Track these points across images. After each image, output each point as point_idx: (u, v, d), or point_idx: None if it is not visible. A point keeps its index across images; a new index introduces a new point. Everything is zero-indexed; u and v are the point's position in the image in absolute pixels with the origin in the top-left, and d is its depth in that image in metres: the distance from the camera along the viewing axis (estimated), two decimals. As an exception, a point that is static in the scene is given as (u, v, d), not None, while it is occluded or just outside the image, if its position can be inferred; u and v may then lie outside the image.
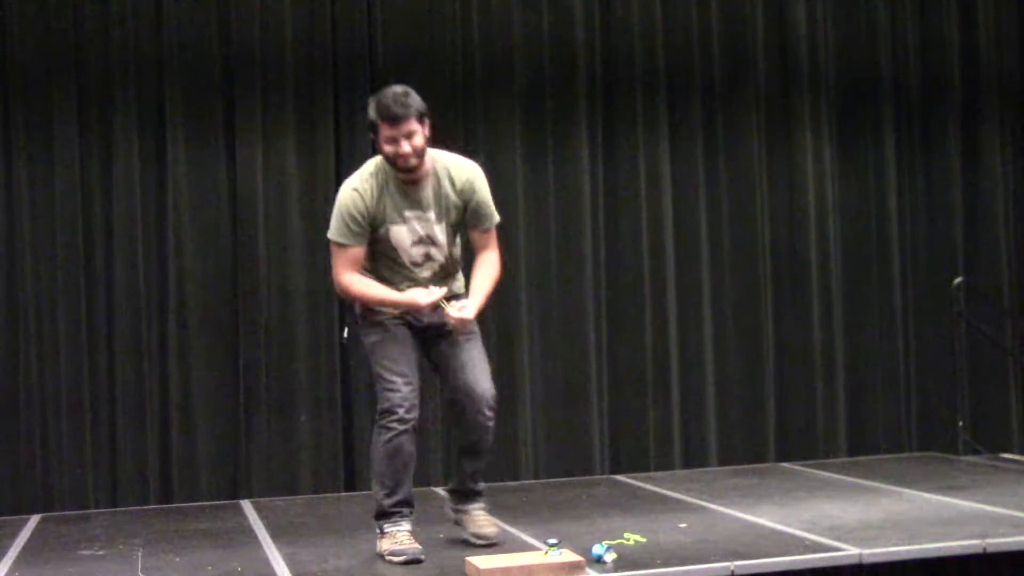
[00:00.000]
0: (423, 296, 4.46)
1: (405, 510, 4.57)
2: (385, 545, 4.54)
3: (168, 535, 5.26)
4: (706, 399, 7.02)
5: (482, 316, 4.75)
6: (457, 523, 4.82)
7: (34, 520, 5.76)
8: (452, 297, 4.63)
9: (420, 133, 4.45)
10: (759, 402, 7.11)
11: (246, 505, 6.01)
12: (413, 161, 4.46)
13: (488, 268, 4.68)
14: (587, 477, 6.66)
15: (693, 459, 6.96)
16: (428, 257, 4.60)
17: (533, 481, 6.61)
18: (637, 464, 6.83)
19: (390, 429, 4.46)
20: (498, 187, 6.66)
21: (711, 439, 7.01)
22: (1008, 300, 7.45)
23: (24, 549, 5.08)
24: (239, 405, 6.32)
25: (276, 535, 5.16)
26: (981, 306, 7.30)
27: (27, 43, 6.13)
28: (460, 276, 4.81)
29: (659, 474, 6.70)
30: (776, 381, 7.16)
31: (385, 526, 4.57)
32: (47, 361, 6.12)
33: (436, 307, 4.48)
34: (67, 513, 5.97)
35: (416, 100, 4.47)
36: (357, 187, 4.53)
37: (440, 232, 4.60)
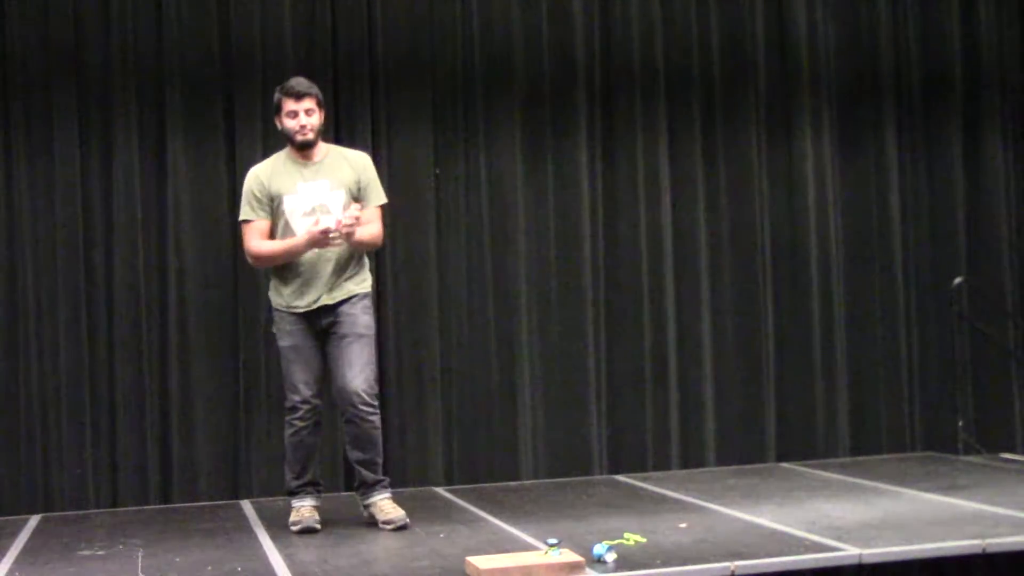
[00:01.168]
0: (313, 228, 4.98)
1: (309, 488, 5.30)
2: (291, 517, 5.25)
3: (168, 535, 5.26)
4: (705, 399, 7.02)
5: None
6: (369, 519, 5.28)
7: (34, 520, 5.77)
8: (353, 298, 5.19)
9: (317, 114, 5.20)
10: (758, 402, 7.11)
11: (246, 505, 6.01)
12: (310, 135, 5.18)
13: (367, 230, 5.16)
14: (586, 477, 6.66)
15: (692, 459, 6.96)
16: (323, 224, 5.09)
17: (533, 481, 6.61)
18: (636, 464, 6.83)
19: (293, 426, 5.23)
20: (497, 187, 6.74)
21: (710, 439, 7.01)
22: (1009, 300, 7.45)
23: (24, 549, 5.08)
24: (239, 405, 6.32)
25: (276, 535, 5.16)
26: (982, 306, 7.30)
27: (27, 42, 6.13)
28: (364, 273, 5.29)
29: (658, 474, 6.70)
30: (776, 381, 7.16)
31: (293, 502, 5.31)
32: (47, 361, 6.12)
33: (327, 233, 4.96)
34: (67, 513, 5.97)
35: (317, 88, 5.24)
36: (255, 170, 5.30)
37: (334, 201, 5.14)
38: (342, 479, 6.38)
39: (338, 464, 6.37)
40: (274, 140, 6.37)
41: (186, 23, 6.31)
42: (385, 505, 5.24)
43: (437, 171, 6.64)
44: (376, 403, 5.20)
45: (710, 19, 7.10)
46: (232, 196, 6.35)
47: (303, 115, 5.15)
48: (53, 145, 6.15)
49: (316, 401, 5.21)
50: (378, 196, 5.29)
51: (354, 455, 5.25)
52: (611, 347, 6.91)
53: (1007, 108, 7.51)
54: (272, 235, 5.19)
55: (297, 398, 5.20)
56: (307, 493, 5.29)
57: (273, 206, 5.17)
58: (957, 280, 7.18)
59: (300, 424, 5.20)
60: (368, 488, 5.27)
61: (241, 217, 5.23)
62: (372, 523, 5.24)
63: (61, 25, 6.16)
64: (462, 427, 6.63)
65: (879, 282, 7.35)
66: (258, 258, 5.22)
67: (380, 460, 5.28)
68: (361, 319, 5.19)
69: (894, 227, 7.37)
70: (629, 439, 6.89)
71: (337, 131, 6.45)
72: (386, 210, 5.43)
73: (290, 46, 6.44)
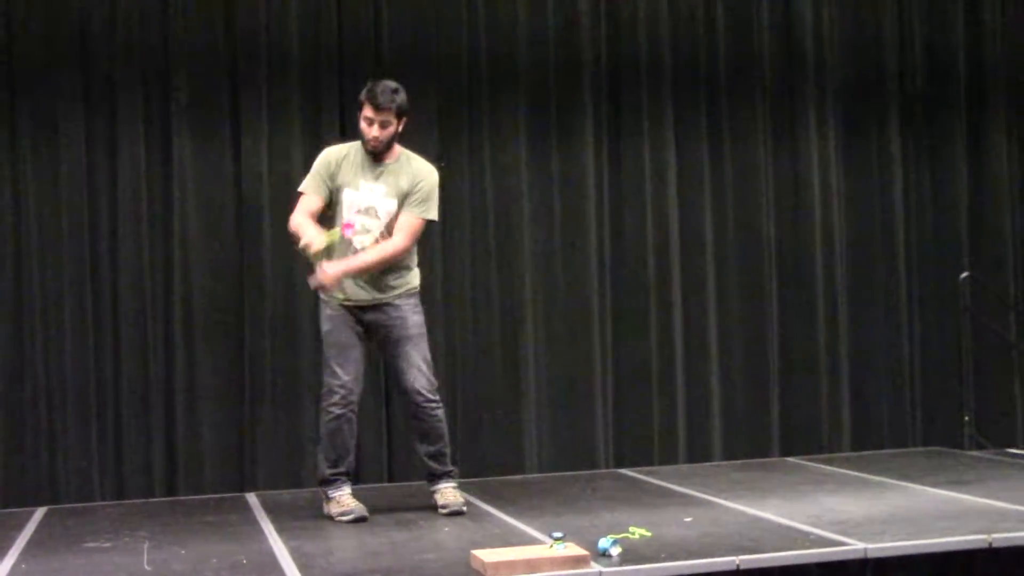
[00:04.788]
0: (309, 238, 5.01)
1: (344, 477, 5.28)
2: (333, 508, 5.24)
3: (174, 528, 5.26)
4: (710, 394, 7.02)
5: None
6: (433, 503, 5.37)
7: (40, 512, 5.77)
8: (400, 297, 5.24)
9: (393, 126, 5.17)
10: (763, 396, 7.11)
11: (251, 498, 6.01)
12: (378, 146, 5.18)
13: (384, 245, 5.18)
14: (592, 471, 6.66)
15: (697, 453, 6.96)
16: (363, 229, 5.18)
17: (538, 475, 6.61)
18: (641, 458, 6.83)
19: (330, 413, 5.22)
20: (503, 182, 6.74)
21: (715, 433, 7.01)
22: (1013, 294, 7.44)
23: (30, 541, 5.08)
24: (244, 398, 6.33)
25: (281, 528, 5.16)
26: (986, 301, 7.30)
27: (33, 36, 6.12)
28: (408, 272, 5.31)
29: (664, 468, 6.70)
30: (781, 375, 7.16)
31: (329, 491, 5.27)
32: (53, 354, 6.12)
33: (316, 255, 5.03)
34: (73, 505, 5.97)
35: (402, 99, 5.18)
36: (330, 150, 5.32)
37: (383, 206, 5.19)
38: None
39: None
40: (280, 131, 6.41)
41: (192, 16, 6.31)
42: (446, 491, 5.35)
43: (443, 164, 6.63)
44: (438, 397, 5.31)
45: (716, 15, 7.09)
46: (237, 188, 6.37)
47: (377, 126, 5.14)
48: (59, 138, 6.15)
49: (353, 386, 5.20)
50: (422, 208, 5.23)
51: (422, 448, 5.35)
52: (617, 341, 6.91)
53: (1012, 104, 7.51)
54: (330, 214, 5.22)
55: (335, 382, 5.19)
56: (343, 481, 5.28)
57: (334, 191, 5.21)
58: (963, 275, 7.18)
59: (337, 412, 5.18)
60: (435, 478, 5.39)
61: (300, 187, 5.28)
62: (431, 507, 5.36)
63: (67, 18, 6.16)
64: (467, 420, 6.63)
65: (883, 277, 7.34)
66: (290, 231, 5.24)
67: (447, 451, 5.39)
68: (411, 319, 5.28)
69: (898, 223, 7.37)
70: (634, 433, 6.89)
71: (343, 125, 6.45)
72: (429, 227, 5.40)
73: (296, 39, 6.44)
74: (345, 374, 5.18)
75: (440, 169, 6.58)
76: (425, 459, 5.38)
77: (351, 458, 5.31)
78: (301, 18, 6.45)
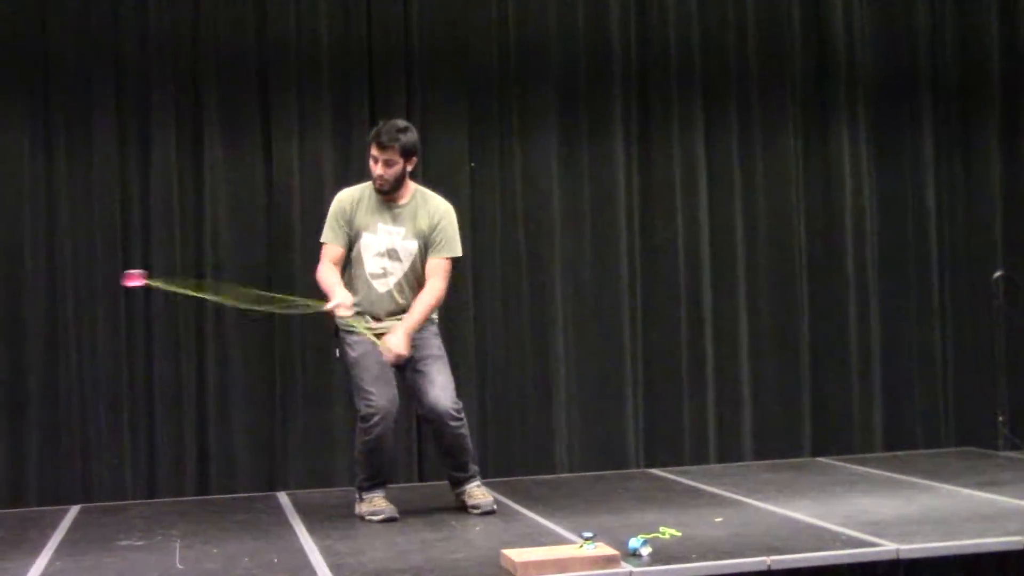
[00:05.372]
0: (337, 302, 5.07)
1: (381, 484, 5.34)
2: (364, 508, 5.30)
3: (205, 527, 5.30)
4: (741, 393, 6.99)
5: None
6: (460, 505, 5.41)
7: (73, 511, 5.82)
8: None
9: (399, 165, 5.20)
10: (795, 396, 7.07)
11: (282, 497, 6.04)
12: (384, 185, 5.23)
13: (425, 296, 5.27)
14: (622, 471, 6.65)
15: (728, 453, 6.94)
16: (385, 272, 5.27)
17: (568, 475, 6.61)
18: (672, 458, 6.81)
19: (369, 433, 5.18)
20: (533, 181, 6.74)
21: (746, 433, 6.98)
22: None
23: (64, 539, 5.13)
24: (276, 398, 6.36)
25: (312, 527, 5.19)
26: (1020, 300, 7.23)
27: (66, 39, 6.18)
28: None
29: (694, 468, 6.68)
30: (812, 375, 7.12)
31: (364, 495, 5.34)
32: (86, 354, 6.17)
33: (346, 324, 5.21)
34: (105, 504, 6.02)
35: (408, 138, 5.22)
36: (343, 195, 5.38)
37: (405, 249, 5.28)
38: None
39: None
40: (310, 134, 6.43)
41: (223, 18, 6.34)
42: (474, 491, 5.39)
43: (472, 164, 6.65)
44: (462, 415, 5.32)
45: (746, 12, 7.06)
46: (268, 190, 6.40)
47: (381, 165, 5.20)
48: (92, 141, 6.19)
49: (390, 408, 5.17)
50: (449, 248, 5.32)
51: (446, 461, 5.42)
52: (647, 340, 6.89)
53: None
54: (347, 257, 5.33)
55: (371, 407, 5.16)
56: (378, 487, 5.33)
57: (351, 235, 5.30)
58: (997, 273, 7.12)
59: (376, 431, 5.16)
60: (459, 483, 5.44)
61: (322, 238, 5.37)
62: (460, 508, 5.40)
63: (100, 23, 6.21)
64: (497, 420, 6.64)
65: (916, 277, 7.29)
66: (317, 279, 5.31)
67: (469, 459, 5.42)
68: (432, 341, 5.35)
69: (930, 221, 7.32)
70: (665, 432, 6.88)
71: (373, 125, 6.44)
72: (458, 263, 5.47)
73: (326, 42, 6.46)
74: (380, 397, 5.15)
75: (470, 170, 6.65)
76: (450, 471, 5.45)
77: (387, 469, 5.39)
78: (331, 19, 6.47)
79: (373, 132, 5.28)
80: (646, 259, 6.92)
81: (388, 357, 5.15)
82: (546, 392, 6.70)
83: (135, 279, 5.14)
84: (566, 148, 6.79)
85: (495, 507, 5.36)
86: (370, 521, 5.22)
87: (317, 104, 6.44)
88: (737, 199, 7.04)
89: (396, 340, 5.13)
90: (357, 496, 5.38)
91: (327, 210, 5.42)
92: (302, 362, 6.37)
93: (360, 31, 6.51)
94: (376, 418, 5.14)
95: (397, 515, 5.24)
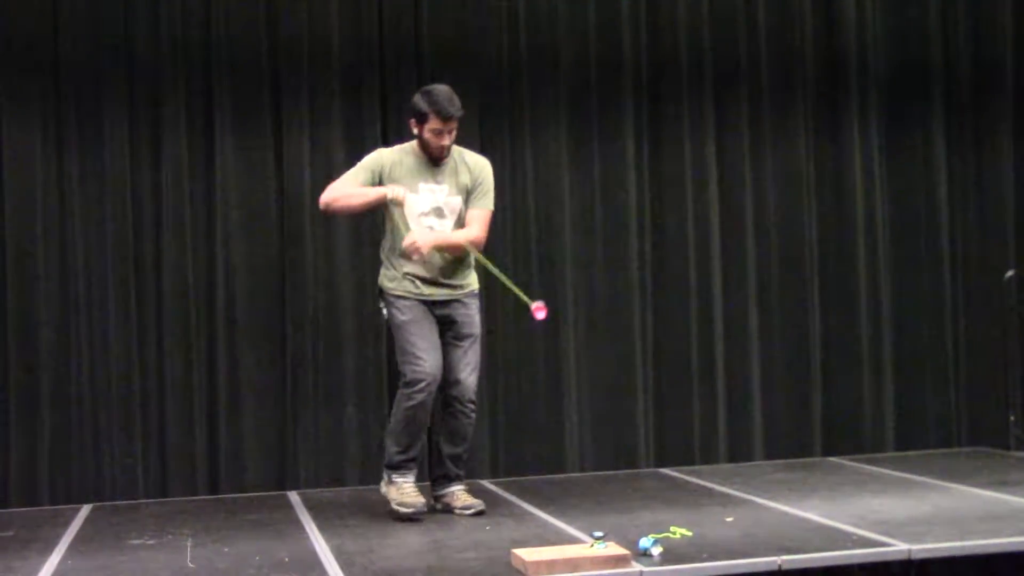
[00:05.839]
0: (394, 197, 5.13)
1: (412, 465, 5.28)
2: (393, 494, 5.27)
3: (216, 526, 5.31)
4: (752, 393, 6.98)
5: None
6: (443, 508, 5.38)
7: (85, 510, 5.84)
8: (469, 294, 5.40)
9: (456, 131, 5.26)
10: (805, 396, 7.06)
11: (293, 496, 6.05)
12: (447, 152, 5.29)
13: (468, 231, 5.29)
14: (633, 470, 6.65)
15: (739, 453, 6.93)
16: (433, 231, 5.24)
17: (579, 474, 6.61)
18: (683, 458, 6.81)
19: (412, 399, 5.14)
20: (544, 179, 6.73)
21: (757, 433, 6.97)
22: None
23: (76, 538, 5.15)
24: (286, 397, 6.37)
25: (323, 526, 5.19)
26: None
27: (78, 38, 6.19)
28: (471, 271, 5.45)
29: (705, 468, 6.67)
30: (823, 374, 7.11)
31: (394, 476, 5.27)
32: (97, 353, 6.18)
33: (395, 203, 5.17)
34: (117, 503, 6.04)
35: (459, 104, 5.25)
36: (383, 151, 5.41)
37: (449, 205, 5.29)
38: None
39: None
40: (322, 133, 6.44)
41: (234, 17, 6.35)
42: (461, 494, 5.39)
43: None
44: (475, 405, 5.39)
45: (757, 10, 7.05)
46: (280, 189, 6.41)
47: (447, 136, 5.23)
48: (103, 140, 6.20)
49: (436, 373, 5.17)
50: (487, 200, 5.37)
51: (447, 448, 5.38)
52: (658, 340, 6.89)
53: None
54: (389, 225, 5.33)
55: (418, 369, 5.13)
56: (409, 469, 5.28)
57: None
58: (1009, 273, 7.10)
59: (420, 398, 5.14)
60: (448, 481, 5.41)
61: (346, 174, 5.34)
62: (446, 511, 5.36)
63: (111, 21, 6.22)
64: (508, 420, 6.64)
65: (927, 275, 7.27)
66: (334, 199, 5.28)
67: (464, 452, 5.44)
68: (477, 319, 5.41)
69: (942, 219, 7.29)
70: (676, 432, 6.87)
71: (384, 125, 6.47)
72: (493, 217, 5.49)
73: (337, 38, 6.46)
74: (429, 363, 5.15)
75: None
76: (446, 460, 5.39)
77: (420, 444, 5.35)
78: (342, 19, 6.47)
79: (431, 106, 5.15)
80: (656, 258, 6.91)
81: (408, 245, 5.11)
82: (556, 391, 6.70)
83: (541, 309, 5.16)
84: (577, 145, 6.79)
85: (484, 507, 5.35)
86: (396, 511, 5.21)
87: (328, 101, 6.44)
88: (748, 198, 7.02)
89: (424, 238, 5.14)
90: (386, 476, 5.33)
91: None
92: (313, 361, 6.37)
93: (371, 28, 6.51)
94: (423, 384, 5.12)
95: (422, 515, 5.20)
